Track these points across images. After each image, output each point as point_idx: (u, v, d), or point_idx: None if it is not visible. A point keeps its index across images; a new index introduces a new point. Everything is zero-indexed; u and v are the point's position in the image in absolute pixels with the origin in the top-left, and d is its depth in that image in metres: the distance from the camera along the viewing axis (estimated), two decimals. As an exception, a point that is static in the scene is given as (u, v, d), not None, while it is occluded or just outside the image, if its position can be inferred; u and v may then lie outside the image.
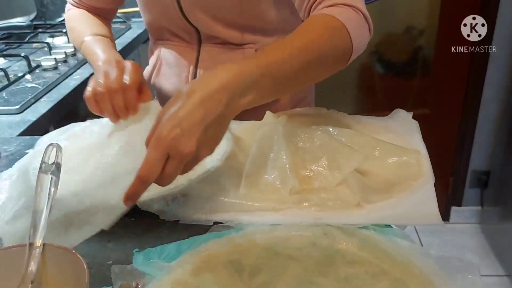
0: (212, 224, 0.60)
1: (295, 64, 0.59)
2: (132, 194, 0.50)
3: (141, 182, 0.49)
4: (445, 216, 2.06)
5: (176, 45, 0.93)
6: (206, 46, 0.90)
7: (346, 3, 0.68)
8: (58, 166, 0.48)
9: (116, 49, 0.87)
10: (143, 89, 0.70)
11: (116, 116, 0.68)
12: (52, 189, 0.47)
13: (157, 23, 0.93)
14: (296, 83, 0.64)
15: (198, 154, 0.51)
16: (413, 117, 0.83)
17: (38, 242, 0.45)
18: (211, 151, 0.53)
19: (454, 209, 2.06)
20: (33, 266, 0.44)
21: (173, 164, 0.49)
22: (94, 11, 0.96)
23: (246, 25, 0.86)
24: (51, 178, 0.47)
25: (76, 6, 0.97)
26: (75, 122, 0.88)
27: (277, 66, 0.57)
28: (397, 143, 0.73)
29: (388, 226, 0.58)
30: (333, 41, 0.64)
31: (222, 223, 0.60)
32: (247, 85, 0.54)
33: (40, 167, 0.47)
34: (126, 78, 0.68)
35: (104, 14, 0.98)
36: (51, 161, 0.48)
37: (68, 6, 0.99)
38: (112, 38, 0.93)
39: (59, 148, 0.48)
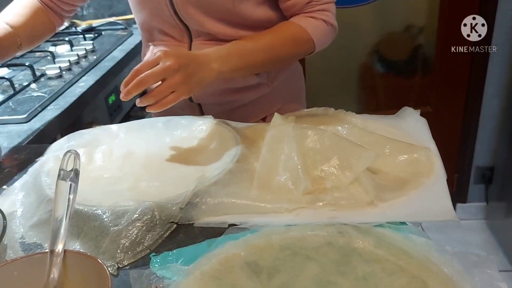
0: (227, 226, 0.60)
1: (261, 55, 0.83)
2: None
3: (134, 73, 0.68)
4: (450, 213, 2.05)
5: (167, 45, 0.93)
6: (197, 44, 0.90)
7: (319, 17, 0.85)
8: (76, 173, 0.48)
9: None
10: None
11: None
12: (71, 196, 0.47)
13: (148, 22, 0.93)
14: (262, 67, 0.89)
15: (178, 78, 0.69)
16: (416, 115, 0.83)
17: (59, 249, 0.45)
18: (188, 85, 0.71)
19: (459, 205, 2.06)
20: (55, 273, 0.44)
21: (158, 72, 0.68)
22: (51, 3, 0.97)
23: (237, 21, 0.87)
24: (70, 185, 0.47)
25: None
26: (81, 129, 0.89)
27: (246, 53, 0.81)
28: (407, 141, 0.74)
29: (403, 223, 0.59)
30: (297, 46, 0.87)
31: (237, 225, 0.60)
32: (221, 57, 0.77)
33: (59, 174, 0.47)
34: None
35: (60, 10, 0.98)
36: (69, 168, 0.48)
37: None
38: (20, 30, 0.91)
39: (77, 155, 0.49)
